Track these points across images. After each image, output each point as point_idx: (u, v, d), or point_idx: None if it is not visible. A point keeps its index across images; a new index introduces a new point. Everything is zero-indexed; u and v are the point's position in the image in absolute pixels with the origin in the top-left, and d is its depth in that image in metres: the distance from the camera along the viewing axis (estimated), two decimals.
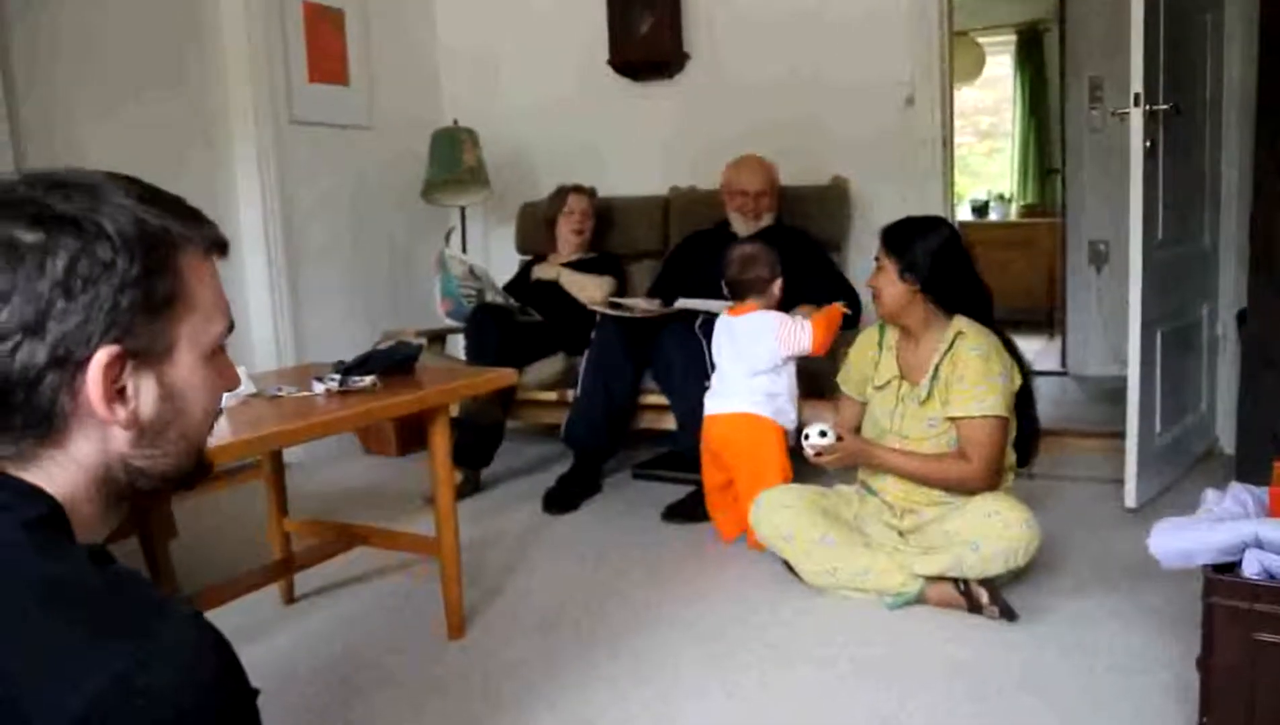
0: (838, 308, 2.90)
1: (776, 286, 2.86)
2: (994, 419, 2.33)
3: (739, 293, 2.88)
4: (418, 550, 2.40)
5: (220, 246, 0.82)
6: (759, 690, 1.96)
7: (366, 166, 4.22)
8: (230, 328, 0.82)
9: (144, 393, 0.75)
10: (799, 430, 2.58)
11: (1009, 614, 2.20)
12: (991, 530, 2.22)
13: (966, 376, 2.34)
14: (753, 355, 2.78)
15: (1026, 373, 2.47)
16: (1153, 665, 1.97)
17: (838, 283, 3.35)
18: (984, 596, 2.23)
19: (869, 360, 2.59)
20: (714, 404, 2.84)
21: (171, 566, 2.19)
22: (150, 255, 0.74)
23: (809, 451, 2.43)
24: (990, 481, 2.34)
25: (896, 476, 2.46)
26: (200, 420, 0.81)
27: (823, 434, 2.40)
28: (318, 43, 4.00)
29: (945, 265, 2.41)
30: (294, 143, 3.87)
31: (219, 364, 0.82)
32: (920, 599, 2.30)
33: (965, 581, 2.25)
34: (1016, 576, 2.39)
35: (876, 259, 2.47)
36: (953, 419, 2.36)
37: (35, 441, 0.73)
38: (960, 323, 2.41)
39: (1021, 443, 2.49)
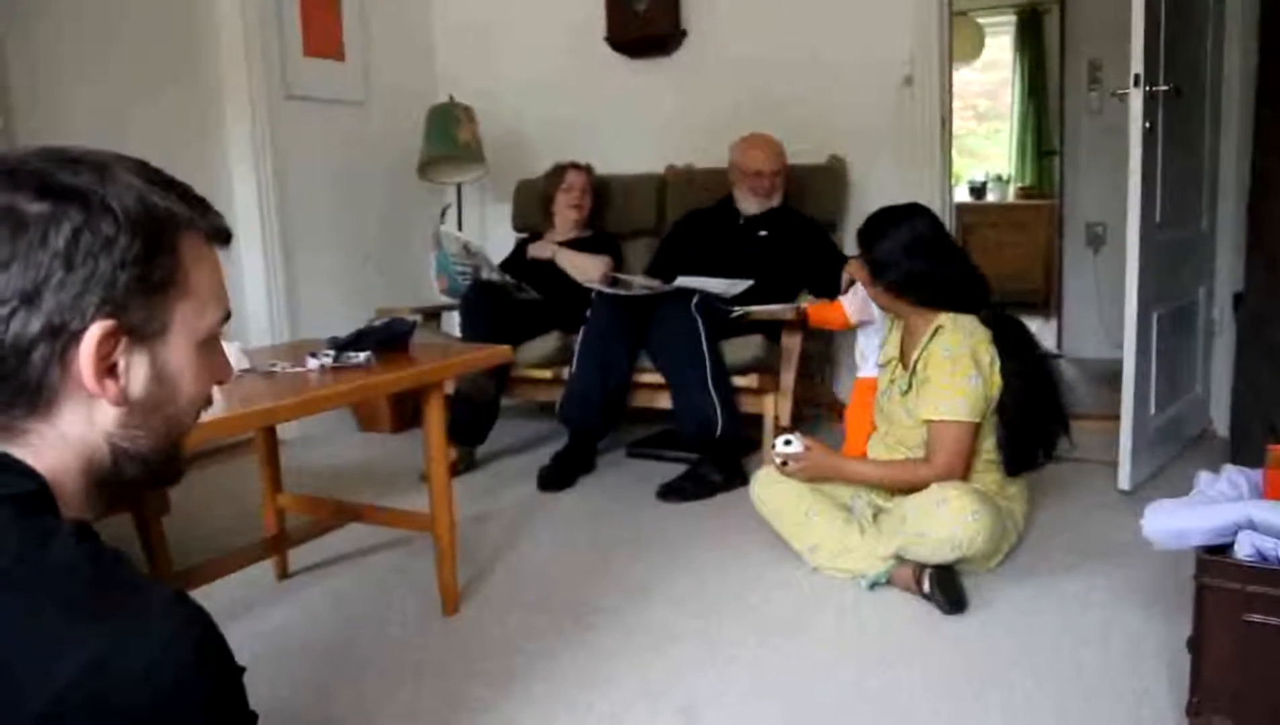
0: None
1: None
2: (956, 423, 2.29)
3: None
4: (412, 527, 2.40)
5: (223, 236, 0.82)
6: (754, 667, 1.97)
7: (362, 142, 4.20)
8: (227, 316, 0.82)
9: (135, 371, 0.75)
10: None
11: (954, 607, 2.15)
12: (938, 519, 2.17)
13: (932, 378, 2.32)
14: None
15: (1037, 365, 2.38)
16: (1144, 646, 1.98)
17: (840, 264, 3.34)
18: (925, 586, 2.20)
19: (887, 331, 2.61)
20: None
21: (165, 542, 2.19)
22: (153, 235, 0.74)
23: (775, 459, 2.43)
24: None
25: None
26: (186, 407, 0.81)
27: (788, 443, 2.39)
28: (313, 17, 3.96)
29: (915, 261, 2.35)
30: (289, 118, 3.84)
31: (212, 354, 0.82)
32: (889, 580, 2.29)
33: (920, 568, 2.23)
34: (1006, 558, 2.40)
35: None
36: (923, 420, 2.35)
37: (24, 413, 0.73)
38: (942, 318, 2.36)
39: (1017, 444, 2.38)
